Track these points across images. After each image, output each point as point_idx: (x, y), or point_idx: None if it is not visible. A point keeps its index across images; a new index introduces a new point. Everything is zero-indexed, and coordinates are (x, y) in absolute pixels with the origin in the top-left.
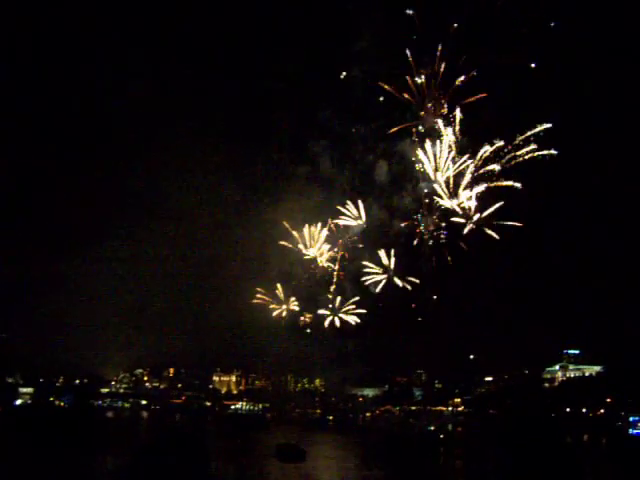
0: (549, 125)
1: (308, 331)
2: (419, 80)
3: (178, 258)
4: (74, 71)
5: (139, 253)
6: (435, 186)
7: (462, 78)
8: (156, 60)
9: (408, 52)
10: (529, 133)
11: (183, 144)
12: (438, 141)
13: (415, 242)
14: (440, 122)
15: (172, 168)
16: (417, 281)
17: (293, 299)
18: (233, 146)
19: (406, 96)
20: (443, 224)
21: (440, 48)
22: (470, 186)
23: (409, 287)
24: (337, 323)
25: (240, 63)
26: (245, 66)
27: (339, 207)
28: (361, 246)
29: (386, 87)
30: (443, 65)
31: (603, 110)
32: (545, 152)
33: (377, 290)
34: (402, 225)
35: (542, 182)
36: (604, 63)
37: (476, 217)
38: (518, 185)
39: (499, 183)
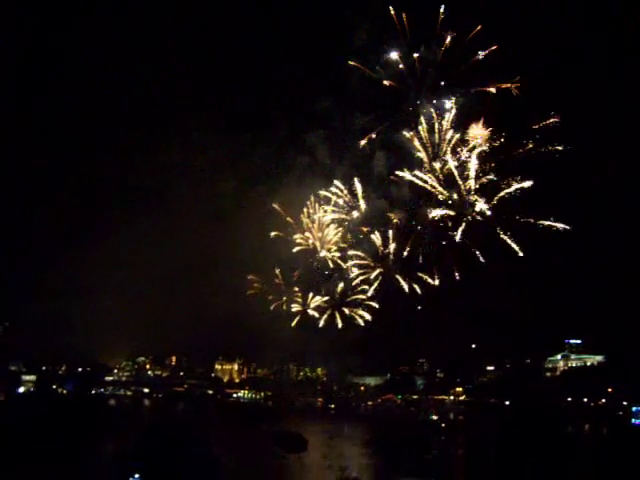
0: (556, 119)
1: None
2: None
3: (180, 247)
4: (71, 65)
5: (141, 243)
6: (423, 175)
7: (484, 53)
8: (153, 51)
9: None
10: (543, 123)
11: (181, 137)
12: (437, 130)
13: (406, 251)
14: (432, 110)
15: (170, 160)
16: (429, 279)
17: (296, 289)
18: (230, 137)
19: (388, 83)
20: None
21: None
22: (469, 178)
23: (418, 290)
24: (338, 321)
25: (238, 54)
26: (244, 57)
27: (331, 195)
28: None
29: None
30: (449, 38)
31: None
32: (556, 147)
33: (370, 291)
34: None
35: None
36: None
37: (480, 207)
38: (529, 183)
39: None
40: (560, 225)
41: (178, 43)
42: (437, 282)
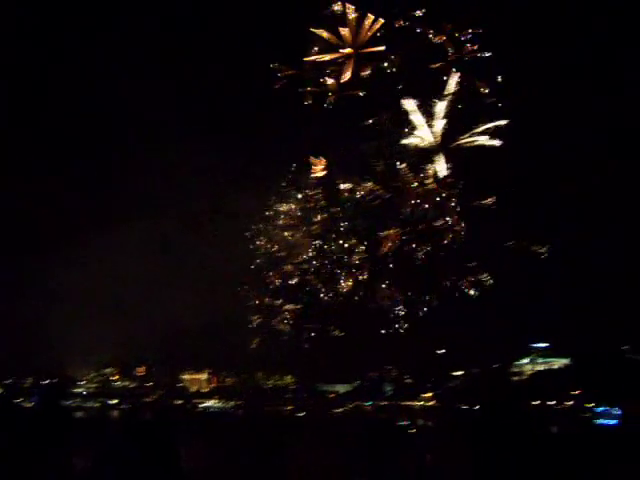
0: (505, 122)
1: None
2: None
3: (150, 256)
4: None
5: (109, 252)
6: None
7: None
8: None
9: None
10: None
11: (167, 140)
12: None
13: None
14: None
15: (149, 162)
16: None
17: (266, 299)
18: (216, 139)
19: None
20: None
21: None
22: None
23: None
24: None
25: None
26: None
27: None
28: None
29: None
30: None
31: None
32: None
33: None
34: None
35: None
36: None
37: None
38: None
39: None
40: (541, 248)
41: (176, 45)
42: (401, 308)
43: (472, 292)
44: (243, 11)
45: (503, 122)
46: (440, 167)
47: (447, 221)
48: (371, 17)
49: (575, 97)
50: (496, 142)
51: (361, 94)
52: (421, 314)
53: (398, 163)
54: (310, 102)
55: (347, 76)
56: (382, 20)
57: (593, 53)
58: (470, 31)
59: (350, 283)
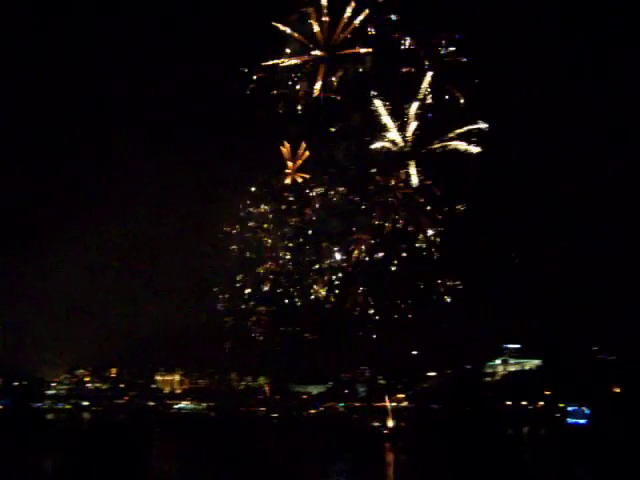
0: (485, 125)
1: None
2: None
3: (122, 259)
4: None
5: (77, 251)
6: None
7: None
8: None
9: None
10: (465, 128)
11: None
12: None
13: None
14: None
15: (122, 167)
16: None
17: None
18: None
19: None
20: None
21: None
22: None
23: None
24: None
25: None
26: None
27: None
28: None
29: None
30: None
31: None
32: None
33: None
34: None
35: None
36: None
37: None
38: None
39: None
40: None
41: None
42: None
43: (445, 295)
44: (228, 12)
45: (479, 126)
46: (413, 171)
47: (420, 225)
48: (350, 8)
49: (569, 98)
50: (471, 147)
51: (333, 97)
52: (394, 316)
53: (371, 167)
54: (282, 109)
55: (319, 85)
56: (367, 10)
57: (592, 53)
58: (450, 35)
59: (323, 286)
